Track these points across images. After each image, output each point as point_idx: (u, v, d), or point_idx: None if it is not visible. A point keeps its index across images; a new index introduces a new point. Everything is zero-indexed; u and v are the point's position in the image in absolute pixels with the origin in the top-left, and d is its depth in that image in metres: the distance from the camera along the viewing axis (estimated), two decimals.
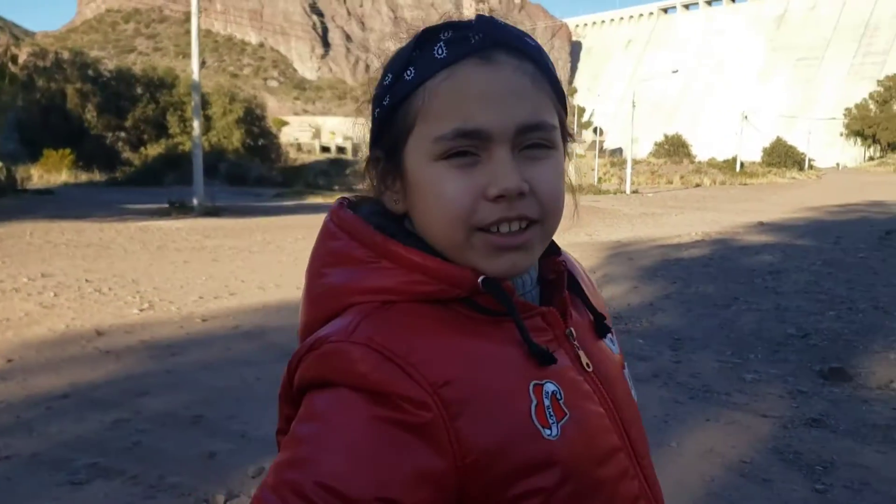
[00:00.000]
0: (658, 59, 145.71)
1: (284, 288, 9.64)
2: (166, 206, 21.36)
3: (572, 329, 0.87)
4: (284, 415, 0.83)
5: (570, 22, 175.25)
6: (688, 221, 20.33)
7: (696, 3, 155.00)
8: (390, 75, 0.82)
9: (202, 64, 22.92)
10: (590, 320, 0.93)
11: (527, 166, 0.79)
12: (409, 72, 0.80)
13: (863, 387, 5.78)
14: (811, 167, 79.07)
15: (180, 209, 21.00)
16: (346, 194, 0.91)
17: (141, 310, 8.09)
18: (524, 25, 0.84)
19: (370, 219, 0.85)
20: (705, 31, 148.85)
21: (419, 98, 0.79)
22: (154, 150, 39.16)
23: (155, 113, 40.89)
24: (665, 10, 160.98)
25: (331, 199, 29.71)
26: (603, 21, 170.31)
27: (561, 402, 0.79)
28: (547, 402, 0.78)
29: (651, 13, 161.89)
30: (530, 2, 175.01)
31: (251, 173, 39.00)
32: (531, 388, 0.77)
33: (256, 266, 11.48)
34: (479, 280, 0.79)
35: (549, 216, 0.81)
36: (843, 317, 8.12)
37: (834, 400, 5.44)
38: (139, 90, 41.89)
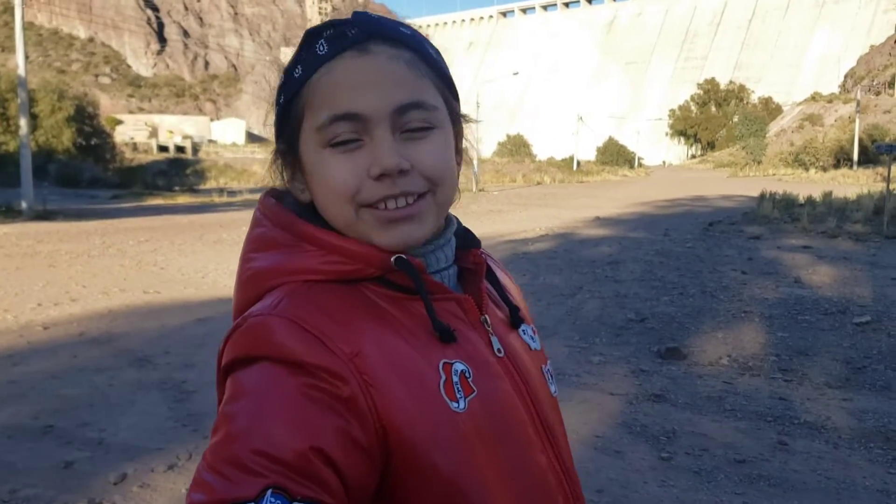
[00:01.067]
0: (499, 61, 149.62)
1: (130, 292, 9.25)
2: None
3: (487, 317, 0.93)
4: (220, 400, 0.85)
5: (413, 23, 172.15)
6: (532, 217, 21.09)
7: (533, 8, 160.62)
8: (283, 76, 0.89)
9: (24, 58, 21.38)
10: (505, 312, 0.99)
11: (408, 146, 0.84)
12: (297, 70, 0.86)
13: (696, 364, 6.30)
14: (640, 165, 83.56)
15: (7, 213, 19.57)
16: (274, 185, 0.95)
17: None
18: None
19: (293, 207, 0.90)
20: (542, 34, 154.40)
21: (305, 94, 0.85)
22: None
23: None
24: (504, 14, 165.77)
25: (172, 201, 28.39)
26: (445, 23, 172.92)
27: (470, 380, 0.85)
28: (455, 379, 0.83)
29: (491, 16, 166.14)
30: (374, 1, 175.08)
31: (84, 174, 36.78)
32: (441, 365, 0.83)
33: (97, 270, 10.93)
34: (392, 259, 0.84)
35: (439, 187, 0.86)
36: (676, 301, 8.79)
37: (672, 377, 5.91)
38: None
